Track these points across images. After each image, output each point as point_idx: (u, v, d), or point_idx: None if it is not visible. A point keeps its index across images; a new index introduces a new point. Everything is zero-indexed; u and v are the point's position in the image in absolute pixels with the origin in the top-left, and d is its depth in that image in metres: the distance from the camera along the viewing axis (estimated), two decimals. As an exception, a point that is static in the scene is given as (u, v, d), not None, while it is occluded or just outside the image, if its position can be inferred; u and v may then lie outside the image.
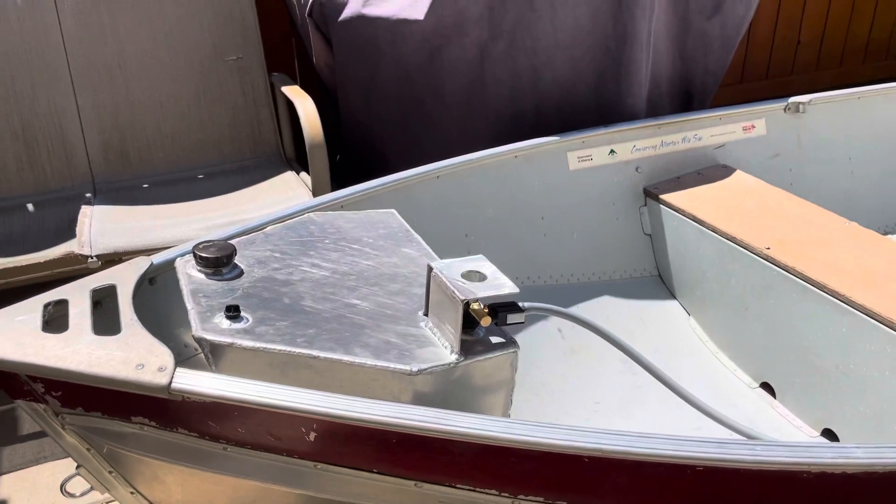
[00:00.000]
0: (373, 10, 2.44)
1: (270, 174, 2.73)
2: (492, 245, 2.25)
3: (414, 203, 2.07)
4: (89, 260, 2.16)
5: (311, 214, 1.72)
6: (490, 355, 1.29)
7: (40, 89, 2.59)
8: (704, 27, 2.73)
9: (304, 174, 2.67)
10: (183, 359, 1.64)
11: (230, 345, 1.26)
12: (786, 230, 2.15)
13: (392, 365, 1.25)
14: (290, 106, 2.65)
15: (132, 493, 1.39)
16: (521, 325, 2.20)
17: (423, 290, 1.44)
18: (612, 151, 2.42)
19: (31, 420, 2.25)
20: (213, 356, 1.28)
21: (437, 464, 1.19)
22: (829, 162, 2.75)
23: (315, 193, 2.47)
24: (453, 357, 1.27)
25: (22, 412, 2.30)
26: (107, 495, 1.41)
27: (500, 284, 1.30)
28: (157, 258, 1.55)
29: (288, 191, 2.58)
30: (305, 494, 1.29)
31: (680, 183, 2.46)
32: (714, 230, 2.20)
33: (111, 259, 2.15)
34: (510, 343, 1.31)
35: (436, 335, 1.33)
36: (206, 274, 1.44)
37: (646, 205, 2.46)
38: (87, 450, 1.30)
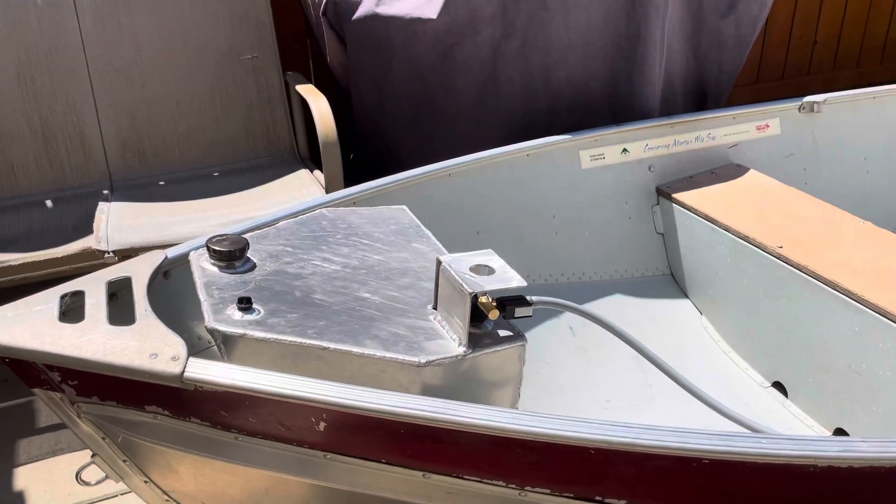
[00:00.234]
0: (386, 9, 2.46)
1: (284, 172, 2.75)
2: (503, 243, 2.25)
3: (426, 200, 2.08)
4: (106, 255, 2.19)
5: (324, 210, 1.74)
6: (498, 348, 1.30)
7: (59, 88, 2.63)
8: (719, 26, 2.72)
9: (317, 172, 2.70)
10: (196, 351, 1.66)
11: (242, 335, 1.28)
12: (799, 229, 2.14)
13: (401, 357, 1.26)
14: (305, 104, 2.67)
15: (146, 481, 1.41)
16: (531, 323, 2.21)
17: (433, 284, 1.45)
18: (624, 150, 2.42)
19: (48, 413, 2.29)
20: (225, 347, 1.30)
21: (445, 455, 1.21)
22: (844, 161, 2.74)
23: (328, 191, 2.50)
24: (461, 350, 1.29)
25: (39, 405, 2.34)
26: (121, 484, 1.44)
27: (509, 278, 1.31)
28: (172, 252, 1.57)
29: (301, 188, 2.60)
30: (316, 484, 1.31)
31: (693, 182, 2.46)
32: (727, 229, 2.20)
33: (127, 254, 2.19)
34: (518, 336, 1.32)
35: (444, 328, 1.34)
36: (220, 267, 1.47)
37: (658, 204, 2.46)
38: (102, 438, 1.32)
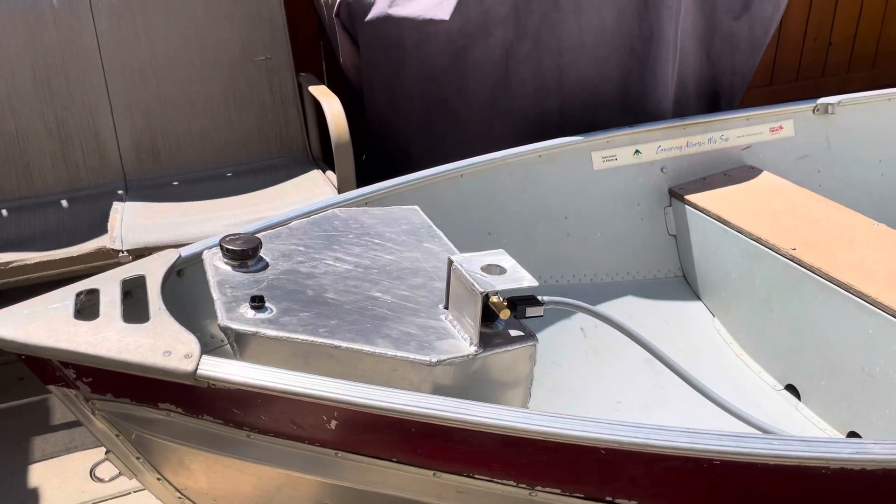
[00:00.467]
0: (399, 11, 2.47)
1: (297, 173, 2.77)
2: (514, 244, 2.25)
3: (437, 201, 2.09)
4: (120, 254, 2.21)
5: (336, 210, 1.74)
6: (509, 348, 1.30)
7: (75, 89, 2.66)
8: (732, 27, 2.71)
9: (330, 173, 2.71)
10: (209, 349, 1.68)
11: (254, 334, 1.29)
12: (812, 231, 2.13)
13: (412, 356, 1.27)
14: (318, 105, 2.68)
15: (159, 478, 1.42)
16: (542, 324, 2.21)
17: (444, 284, 1.46)
18: (637, 151, 2.42)
19: (62, 410, 2.32)
20: (237, 345, 1.31)
21: (456, 453, 1.21)
22: (859, 163, 2.72)
23: (340, 192, 2.50)
24: (472, 349, 1.29)
25: (53, 403, 2.36)
26: (134, 481, 1.45)
27: (520, 278, 1.31)
28: (186, 251, 1.58)
29: (314, 189, 2.61)
30: (327, 482, 1.31)
31: (706, 183, 2.45)
32: (740, 231, 2.19)
33: (141, 254, 2.20)
34: (529, 336, 1.32)
35: (455, 328, 1.35)
36: (233, 266, 1.48)
37: (671, 205, 2.45)
38: (116, 435, 1.34)
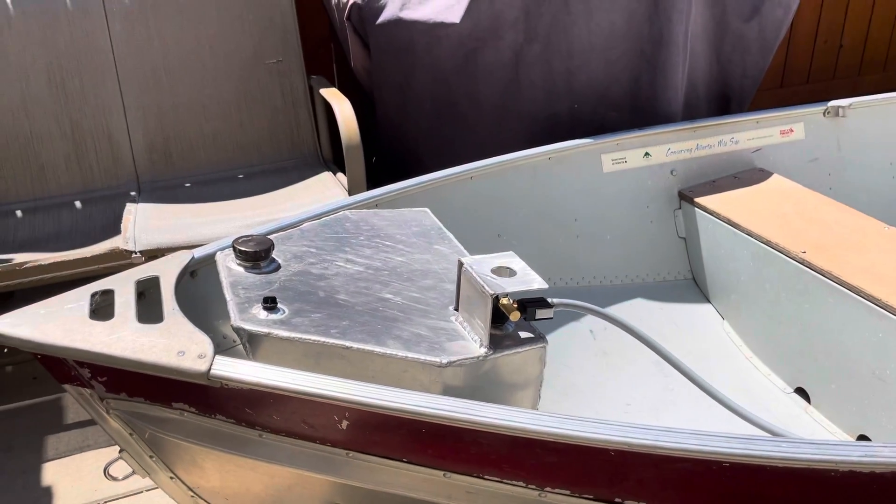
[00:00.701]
0: (410, 14, 2.48)
1: (308, 174, 2.78)
2: (524, 246, 2.26)
3: (447, 203, 2.10)
4: (133, 255, 2.23)
5: (347, 212, 1.76)
6: (519, 350, 1.31)
7: (89, 91, 2.68)
8: (742, 30, 2.71)
9: (340, 175, 2.72)
10: (222, 349, 1.69)
11: (267, 334, 1.30)
12: (823, 234, 2.13)
13: (422, 357, 1.28)
14: (328, 108, 2.70)
15: (172, 477, 1.44)
16: (551, 326, 2.21)
17: (455, 285, 1.47)
18: (646, 154, 2.42)
19: (76, 409, 2.34)
20: (250, 345, 1.32)
21: (466, 454, 1.22)
22: (870, 166, 2.72)
23: (351, 194, 2.52)
24: (482, 351, 1.30)
25: (67, 402, 2.38)
26: (147, 480, 1.46)
27: (530, 280, 1.32)
28: (199, 252, 1.60)
29: (325, 191, 2.63)
30: (338, 482, 1.33)
31: (715, 186, 2.45)
32: (750, 234, 2.19)
33: (154, 255, 2.22)
34: (539, 338, 1.33)
35: (466, 329, 1.36)
36: (245, 267, 1.49)
37: (680, 208, 2.46)
38: (130, 434, 1.35)
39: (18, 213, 2.58)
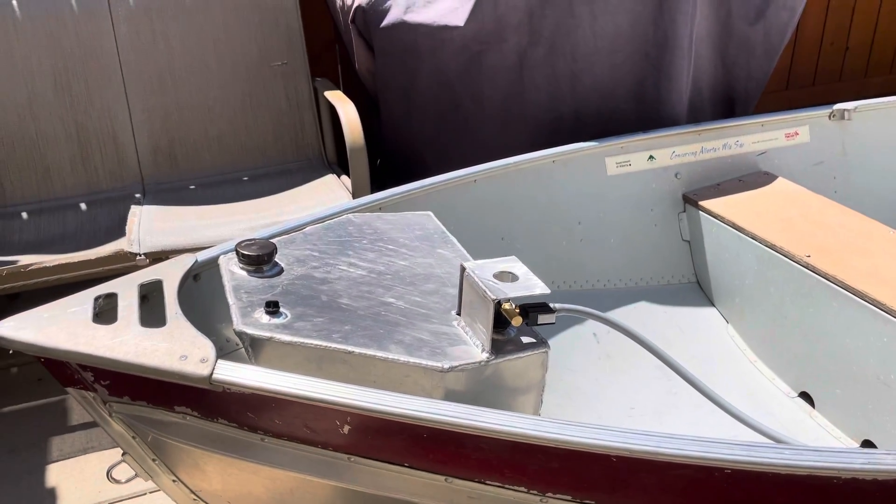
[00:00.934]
0: (414, 17, 2.48)
1: (312, 177, 2.79)
2: (528, 249, 2.26)
3: (451, 206, 2.10)
4: (137, 258, 2.24)
5: (350, 215, 1.76)
6: (521, 355, 1.31)
7: (94, 93, 2.69)
8: (747, 33, 2.70)
9: (344, 177, 2.73)
10: (224, 353, 1.69)
11: (269, 339, 1.30)
12: (827, 238, 2.12)
13: (424, 362, 1.28)
14: (333, 110, 2.70)
15: (174, 480, 1.44)
16: (554, 330, 2.21)
17: (457, 290, 1.47)
18: (651, 157, 2.42)
19: (80, 411, 2.34)
20: (252, 349, 1.32)
21: (467, 460, 1.22)
22: (875, 170, 2.70)
23: (355, 196, 2.52)
24: (484, 356, 1.30)
25: (71, 403, 2.39)
26: (150, 483, 1.47)
27: (532, 285, 1.31)
28: (202, 255, 1.60)
29: (329, 193, 2.63)
30: (339, 486, 1.33)
31: (720, 189, 2.44)
32: (754, 237, 2.19)
33: (158, 257, 2.23)
34: (541, 343, 1.33)
35: (468, 334, 1.36)
36: (248, 271, 1.49)
37: (685, 211, 2.45)
38: (133, 437, 1.36)
39: (24, 214, 2.60)
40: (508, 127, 2.61)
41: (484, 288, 1.30)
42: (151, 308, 1.42)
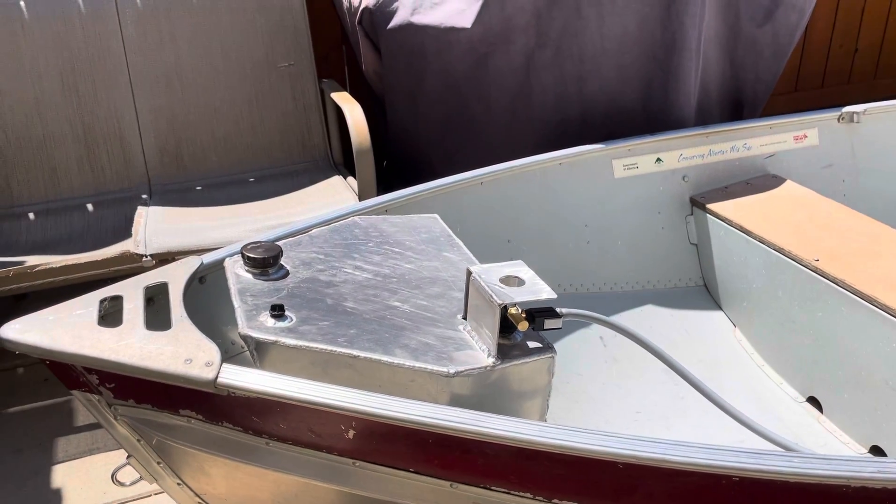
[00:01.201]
0: (421, 18, 2.48)
1: (318, 178, 2.78)
2: (534, 252, 2.25)
3: (457, 208, 2.09)
4: (144, 259, 2.24)
5: (356, 218, 1.75)
6: (527, 360, 1.30)
7: (101, 94, 2.70)
8: (755, 35, 2.69)
9: (351, 179, 2.72)
10: (230, 356, 1.69)
11: (274, 342, 1.30)
12: (836, 242, 2.10)
13: (430, 366, 1.27)
14: (339, 112, 2.70)
15: (179, 484, 1.44)
16: (561, 333, 2.20)
17: (463, 293, 1.46)
18: (658, 160, 2.41)
19: (86, 412, 2.34)
20: (257, 353, 1.32)
21: (473, 465, 1.21)
22: (884, 173, 2.69)
23: (361, 198, 2.52)
24: (490, 360, 1.29)
25: (77, 404, 2.39)
26: (155, 485, 1.47)
27: (538, 290, 1.31)
28: (207, 258, 1.60)
29: (335, 195, 2.63)
30: (344, 491, 1.32)
31: (728, 192, 2.43)
32: (762, 241, 2.17)
33: (164, 258, 2.23)
34: (547, 348, 1.32)
35: (474, 339, 1.35)
36: (254, 274, 1.49)
37: (692, 214, 2.44)
38: (138, 440, 1.35)
39: (31, 215, 2.60)
40: (515, 129, 2.60)
41: (490, 292, 1.29)
42: (157, 311, 1.42)
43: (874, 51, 3.95)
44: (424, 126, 2.70)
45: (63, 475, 2.13)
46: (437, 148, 2.72)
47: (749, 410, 2.00)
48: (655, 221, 2.42)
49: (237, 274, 1.49)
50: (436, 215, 1.79)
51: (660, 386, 2.08)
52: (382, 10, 2.55)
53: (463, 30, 2.42)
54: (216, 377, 1.19)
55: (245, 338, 1.32)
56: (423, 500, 1.28)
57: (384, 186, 2.67)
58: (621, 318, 2.31)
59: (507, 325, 1.30)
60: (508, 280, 1.33)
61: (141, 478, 1.45)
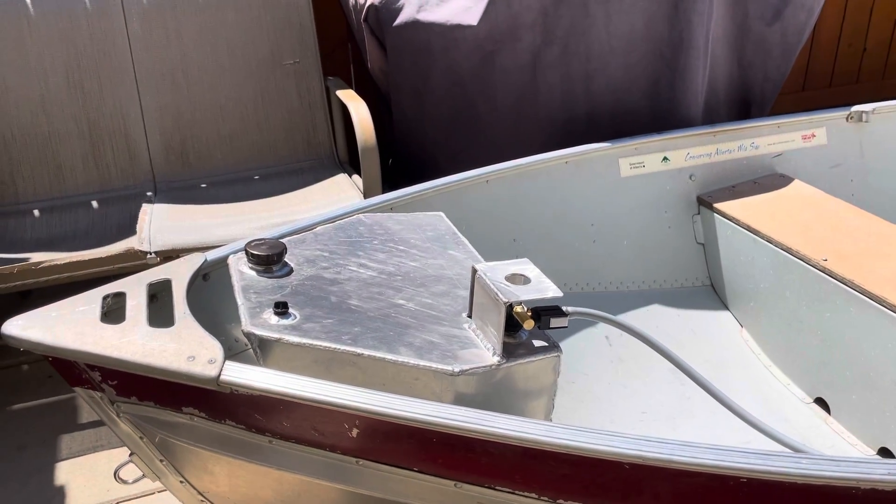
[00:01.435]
0: (427, 16, 2.47)
1: (323, 176, 2.78)
2: (540, 250, 2.24)
3: (463, 206, 2.08)
4: (148, 256, 2.24)
5: (361, 215, 1.75)
6: (532, 359, 1.29)
7: (107, 91, 2.69)
8: (764, 34, 2.67)
9: (356, 177, 2.71)
10: (233, 353, 1.68)
11: (278, 340, 1.29)
12: (844, 242, 2.09)
13: (434, 365, 1.26)
14: (345, 109, 2.69)
15: (181, 481, 1.43)
16: (567, 332, 2.19)
17: (468, 292, 1.45)
18: (665, 159, 2.39)
19: (89, 410, 2.34)
20: (261, 350, 1.31)
21: (477, 465, 1.20)
22: (893, 173, 2.67)
23: (366, 196, 2.51)
24: (495, 359, 1.28)
25: (80, 402, 2.39)
26: (157, 483, 1.46)
27: (544, 288, 1.30)
28: (211, 255, 1.59)
29: (340, 193, 2.62)
30: (347, 490, 1.31)
31: (735, 192, 2.41)
32: (770, 240, 2.16)
33: (169, 255, 2.22)
34: (553, 347, 1.31)
35: (479, 337, 1.34)
36: (257, 271, 1.48)
37: (699, 213, 2.42)
38: (141, 438, 1.35)
39: (36, 212, 2.60)
40: (521, 127, 2.59)
41: (496, 291, 1.28)
42: (160, 308, 1.41)
43: (883, 50, 3.93)
44: (430, 124, 2.69)
45: (66, 473, 2.12)
46: (442, 146, 2.71)
47: (756, 411, 1.99)
48: (662, 220, 2.41)
49: (241, 271, 1.48)
50: (441, 213, 1.78)
51: (666, 386, 2.07)
52: (388, 8, 2.54)
53: (469, 27, 2.41)
54: (219, 375, 1.19)
55: (248, 335, 1.31)
56: (427, 499, 1.27)
57: (389, 184, 2.66)
58: (627, 318, 2.29)
59: (512, 324, 1.29)
60: (514, 278, 1.32)
61: (144, 475, 1.44)
